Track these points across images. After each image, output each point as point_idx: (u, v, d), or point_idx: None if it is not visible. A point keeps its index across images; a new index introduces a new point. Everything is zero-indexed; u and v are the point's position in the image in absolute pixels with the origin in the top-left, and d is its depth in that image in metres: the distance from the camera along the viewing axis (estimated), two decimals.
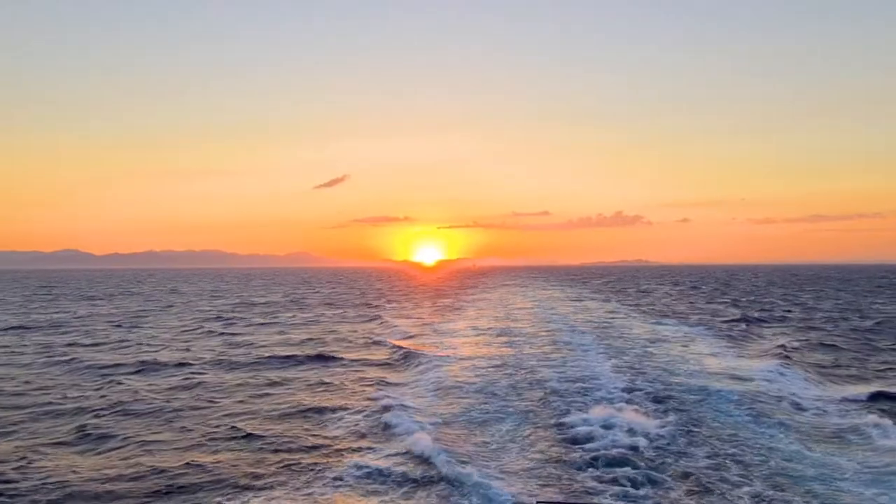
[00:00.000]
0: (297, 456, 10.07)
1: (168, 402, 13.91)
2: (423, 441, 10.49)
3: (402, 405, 13.21)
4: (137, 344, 24.10)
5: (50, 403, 13.79)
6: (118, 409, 13.20)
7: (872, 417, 11.71)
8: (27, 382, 16.31)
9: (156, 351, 22.21)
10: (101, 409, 13.19)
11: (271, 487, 8.71)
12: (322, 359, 20.03)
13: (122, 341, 25.00)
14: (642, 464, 9.42)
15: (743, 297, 53.37)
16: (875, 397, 13.80)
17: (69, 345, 23.88)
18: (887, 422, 11.32)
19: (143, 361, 19.42)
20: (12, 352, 22.15)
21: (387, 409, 12.81)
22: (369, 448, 10.51)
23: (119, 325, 31.66)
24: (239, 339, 25.43)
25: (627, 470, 9.21)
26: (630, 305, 43.12)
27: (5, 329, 29.85)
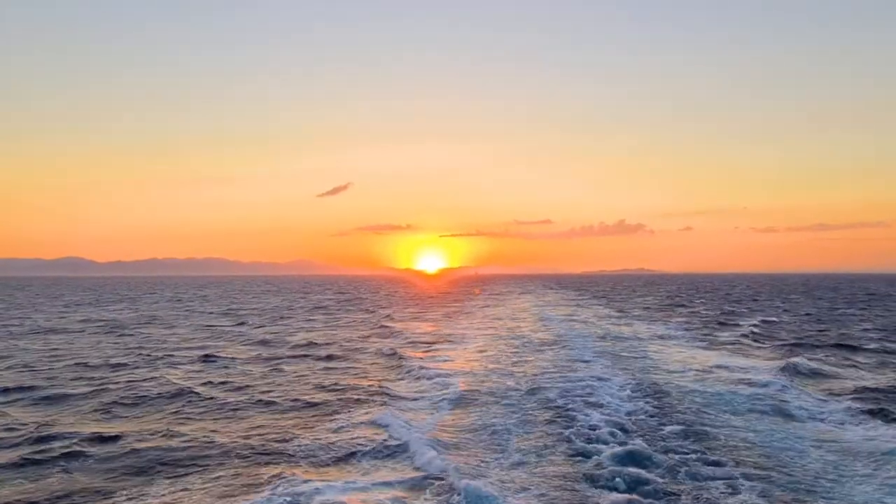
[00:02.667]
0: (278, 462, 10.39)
1: (229, 385, 17.94)
2: (421, 445, 10.62)
3: (403, 408, 13.87)
4: (202, 340, 28.30)
5: (144, 382, 17.93)
6: (203, 387, 17.32)
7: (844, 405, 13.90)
8: (131, 368, 20.50)
9: (215, 345, 26.36)
10: (192, 388, 17.21)
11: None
12: (330, 358, 22.37)
13: (188, 339, 29.23)
14: (648, 469, 9.55)
15: (730, 303, 57.33)
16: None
17: (139, 342, 28.08)
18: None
19: (205, 355, 23.25)
20: (97, 346, 26.29)
21: (387, 409, 13.62)
22: (368, 448, 10.91)
23: (169, 326, 35.89)
24: (271, 338, 29.30)
25: (631, 475, 9.22)
26: (623, 311, 47.02)
27: (71, 328, 34.02)
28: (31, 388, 16.80)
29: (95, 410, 14.38)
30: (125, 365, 20.99)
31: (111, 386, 17.11)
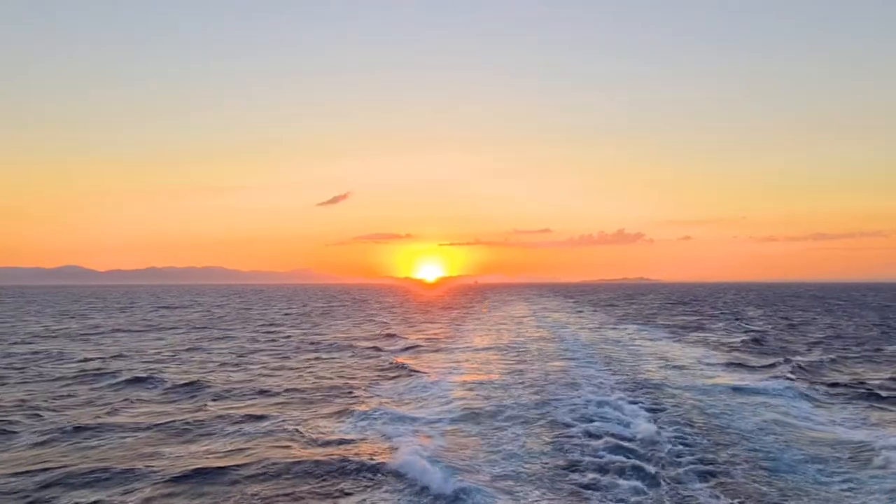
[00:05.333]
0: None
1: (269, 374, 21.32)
2: (420, 449, 10.67)
3: (402, 412, 14.17)
4: (231, 340, 31.59)
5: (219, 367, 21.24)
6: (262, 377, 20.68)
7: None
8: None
9: (248, 346, 29.65)
10: (249, 377, 20.59)
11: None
12: (343, 356, 24.46)
13: (221, 338, 32.69)
14: (643, 468, 9.71)
15: (717, 310, 60.30)
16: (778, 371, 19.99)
17: (181, 343, 31.42)
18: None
19: (245, 352, 26.55)
20: (167, 345, 29.57)
21: (387, 414, 13.89)
22: (365, 453, 10.94)
23: (200, 328, 39.25)
24: (294, 339, 32.55)
25: (628, 478, 9.30)
26: (619, 316, 50.14)
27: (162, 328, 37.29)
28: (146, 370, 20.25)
29: (204, 387, 17.82)
30: (185, 360, 24.47)
31: (193, 370, 20.58)
